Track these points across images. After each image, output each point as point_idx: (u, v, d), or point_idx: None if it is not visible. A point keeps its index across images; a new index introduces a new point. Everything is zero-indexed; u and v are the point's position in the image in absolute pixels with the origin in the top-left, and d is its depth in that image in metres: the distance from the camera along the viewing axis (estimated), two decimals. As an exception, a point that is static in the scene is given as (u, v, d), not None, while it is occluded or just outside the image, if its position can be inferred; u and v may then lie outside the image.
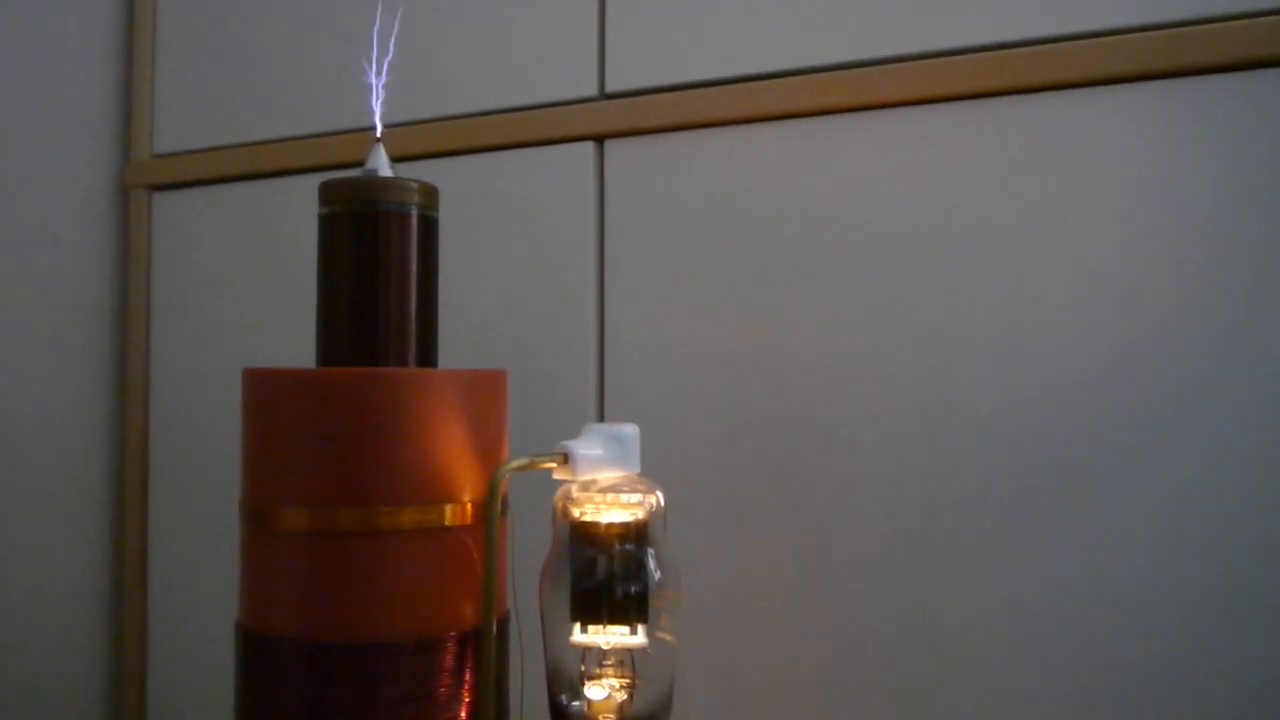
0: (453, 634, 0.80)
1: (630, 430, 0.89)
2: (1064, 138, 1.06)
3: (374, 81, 0.93)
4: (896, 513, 1.10)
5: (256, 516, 0.81)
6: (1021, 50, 1.07)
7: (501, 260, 1.31)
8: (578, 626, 0.86)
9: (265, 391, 0.82)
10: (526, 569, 0.88)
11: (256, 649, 0.80)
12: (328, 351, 0.87)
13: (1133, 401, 1.03)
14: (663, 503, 0.89)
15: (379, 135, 0.91)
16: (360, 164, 0.89)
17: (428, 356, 0.88)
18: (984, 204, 1.09)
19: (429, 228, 0.88)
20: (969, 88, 1.10)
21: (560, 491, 0.89)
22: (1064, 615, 1.04)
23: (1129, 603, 1.02)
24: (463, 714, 0.80)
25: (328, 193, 0.87)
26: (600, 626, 0.86)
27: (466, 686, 0.80)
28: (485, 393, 0.85)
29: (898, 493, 1.11)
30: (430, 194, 0.89)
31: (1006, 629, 1.06)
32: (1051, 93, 1.07)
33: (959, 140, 1.10)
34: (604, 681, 0.87)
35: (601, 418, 1.25)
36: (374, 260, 0.86)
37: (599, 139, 1.28)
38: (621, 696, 0.86)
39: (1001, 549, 1.06)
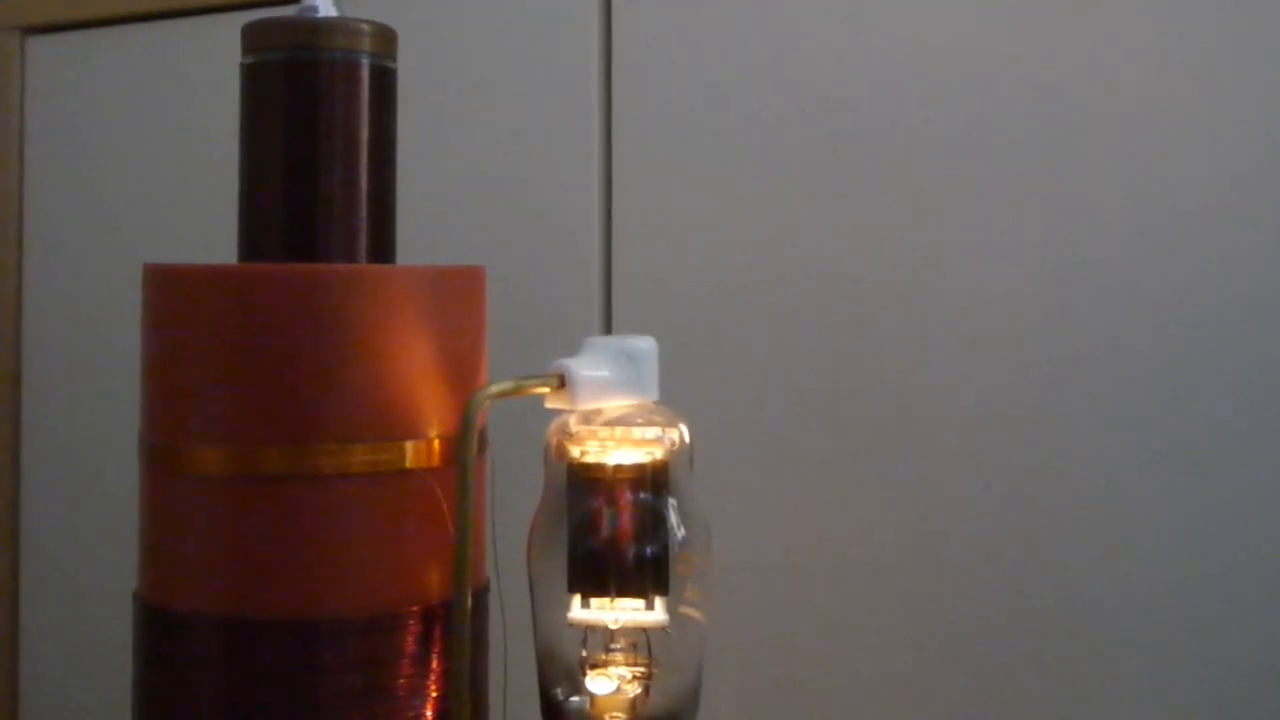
0: (415, 609, 0.80)
1: (645, 345, 0.89)
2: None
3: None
4: (988, 450, 1.10)
5: (161, 456, 0.81)
6: None
7: (479, 125, 1.30)
8: (577, 600, 0.86)
9: (172, 294, 0.82)
10: (511, 525, 0.88)
11: (161, 629, 0.80)
12: (253, 242, 0.87)
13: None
14: (687, 439, 0.89)
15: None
16: (295, 0, 0.88)
17: (382, 248, 0.88)
18: (1099, 53, 1.08)
19: (384, 82, 0.88)
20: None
21: (555, 425, 0.89)
22: (1204, 601, 1.04)
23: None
24: (428, 713, 0.80)
25: (253, 37, 0.87)
26: (606, 600, 0.86)
27: (433, 677, 0.80)
28: (457, 295, 0.85)
29: (991, 425, 1.10)
30: (386, 39, 0.88)
31: (1133, 622, 1.06)
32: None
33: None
34: (611, 670, 0.87)
35: (608, 330, 1.25)
36: (313, 124, 0.86)
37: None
38: (634, 690, 0.87)
39: (1128, 516, 1.06)
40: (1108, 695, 1.07)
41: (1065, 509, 1.08)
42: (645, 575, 0.86)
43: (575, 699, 0.87)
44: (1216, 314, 1.04)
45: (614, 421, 0.88)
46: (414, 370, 0.81)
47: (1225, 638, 1.04)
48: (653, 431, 0.88)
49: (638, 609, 0.86)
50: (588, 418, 0.87)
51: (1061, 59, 1.09)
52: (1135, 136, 1.07)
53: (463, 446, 0.81)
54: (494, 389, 0.82)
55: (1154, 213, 1.06)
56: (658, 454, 0.87)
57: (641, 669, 0.87)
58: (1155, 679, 1.05)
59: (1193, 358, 1.05)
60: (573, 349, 0.88)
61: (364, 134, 0.86)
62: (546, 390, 0.85)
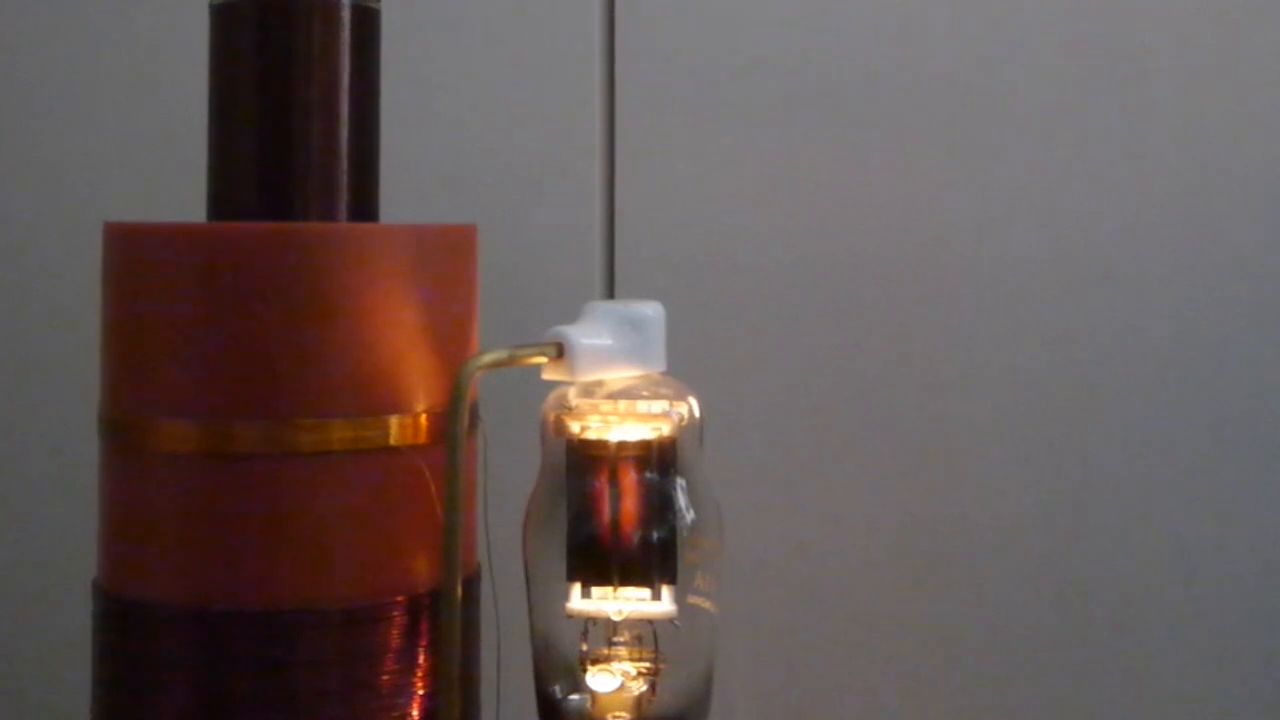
0: (400, 599, 0.79)
1: (651, 311, 0.89)
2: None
3: None
4: (1019, 423, 1.10)
5: (123, 433, 0.80)
6: None
7: (472, 71, 1.30)
8: (577, 589, 0.86)
9: (135, 255, 0.81)
10: (505, 507, 0.87)
11: (124, 621, 0.79)
12: (224, 199, 0.86)
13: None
14: (697, 414, 0.89)
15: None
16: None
17: (365, 206, 0.88)
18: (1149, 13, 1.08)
19: (366, 24, 0.88)
20: None
21: (553, 398, 0.89)
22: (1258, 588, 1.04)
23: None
24: (414, 711, 0.79)
25: (223, -26, 0.86)
26: (609, 589, 0.86)
27: (420, 673, 0.80)
28: (446, 257, 0.84)
29: (1024, 396, 1.10)
30: (369, -24, 0.87)
31: (1181, 620, 1.06)
32: None
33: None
34: (614, 666, 0.87)
35: (611, 294, 1.24)
36: (288, 70, 0.85)
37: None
38: (639, 687, 0.86)
39: (1183, 504, 1.06)
40: (1148, 688, 1.07)
41: (1104, 487, 1.08)
42: (651, 562, 0.85)
43: (575, 697, 0.87)
44: (1271, 286, 1.04)
45: (617, 394, 0.87)
46: (399, 338, 0.80)
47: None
48: (659, 405, 0.87)
49: (643, 599, 0.85)
50: (588, 390, 0.87)
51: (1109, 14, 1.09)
52: (1182, 109, 1.06)
53: (452, 421, 0.80)
54: (486, 359, 0.82)
55: (1206, 187, 1.06)
56: (665, 430, 0.87)
57: (647, 664, 0.86)
58: (1202, 671, 1.05)
59: (1250, 329, 1.04)
60: (572, 315, 0.88)
61: (344, 81, 0.86)
62: (543, 360, 0.85)
